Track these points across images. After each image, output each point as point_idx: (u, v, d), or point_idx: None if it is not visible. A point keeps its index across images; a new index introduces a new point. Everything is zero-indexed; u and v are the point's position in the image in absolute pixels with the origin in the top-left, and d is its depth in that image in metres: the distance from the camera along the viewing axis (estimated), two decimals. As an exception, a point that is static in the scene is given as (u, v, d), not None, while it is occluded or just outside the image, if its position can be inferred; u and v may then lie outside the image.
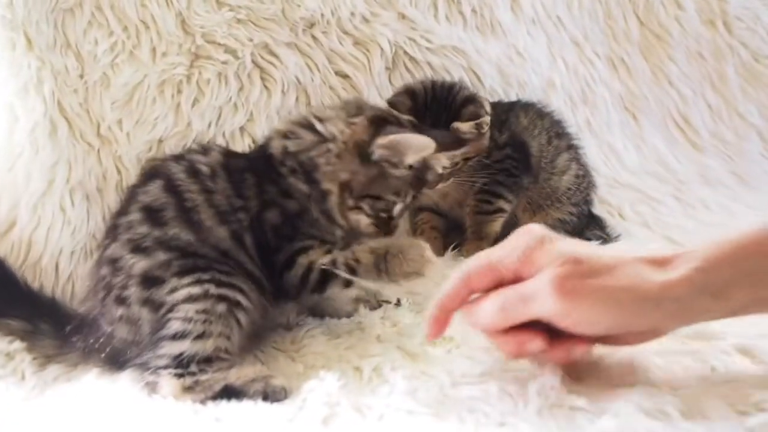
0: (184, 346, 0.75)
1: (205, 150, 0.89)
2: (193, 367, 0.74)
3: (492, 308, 0.60)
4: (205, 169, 0.85)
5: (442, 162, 0.95)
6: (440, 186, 1.12)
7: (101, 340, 0.80)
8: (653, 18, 1.54)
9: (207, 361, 0.75)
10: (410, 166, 0.86)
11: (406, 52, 1.26)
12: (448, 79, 1.21)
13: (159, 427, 0.68)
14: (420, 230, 1.21)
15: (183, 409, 0.71)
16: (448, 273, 1.04)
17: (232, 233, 0.83)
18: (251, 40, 1.16)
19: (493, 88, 1.31)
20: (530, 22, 1.40)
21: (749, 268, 0.55)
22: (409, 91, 1.11)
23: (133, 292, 0.79)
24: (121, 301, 0.79)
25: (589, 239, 1.20)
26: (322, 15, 1.21)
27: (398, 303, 0.93)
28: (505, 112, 1.20)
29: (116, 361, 0.80)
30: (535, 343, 0.59)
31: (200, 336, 0.75)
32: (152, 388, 0.75)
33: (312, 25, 1.21)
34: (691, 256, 0.56)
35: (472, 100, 1.10)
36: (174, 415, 0.69)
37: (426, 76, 1.23)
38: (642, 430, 0.54)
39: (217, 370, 0.75)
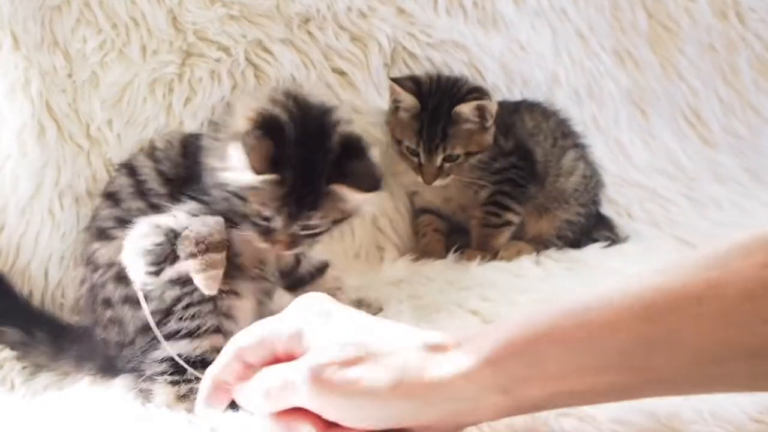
0: (179, 347, 0.72)
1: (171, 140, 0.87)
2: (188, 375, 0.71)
3: (257, 392, 0.53)
4: (160, 144, 0.84)
5: None
6: (441, 183, 1.11)
7: (96, 348, 0.79)
8: (662, 9, 1.50)
9: (203, 363, 0.71)
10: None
11: (405, 48, 1.23)
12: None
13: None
14: (422, 233, 1.19)
15: (177, 419, 0.68)
16: (452, 277, 1.04)
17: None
18: (245, 36, 1.13)
19: (495, 84, 1.27)
20: (534, 14, 1.36)
21: (539, 359, 0.48)
22: (414, 79, 1.13)
23: (111, 290, 0.77)
24: (107, 303, 0.78)
25: (596, 240, 1.18)
26: (318, 10, 1.18)
27: None
28: (510, 114, 1.18)
29: (110, 368, 0.79)
30: (306, 428, 0.51)
31: (194, 333, 0.73)
32: (146, 396, 0.73)
33: (307, 21, 1.18)
34: (482, 344, 0.49)
35: (478, 90, 1.12)
36: (168, 425, 0.68)
37: (426, 71, 1.20)
38: None
39: None
